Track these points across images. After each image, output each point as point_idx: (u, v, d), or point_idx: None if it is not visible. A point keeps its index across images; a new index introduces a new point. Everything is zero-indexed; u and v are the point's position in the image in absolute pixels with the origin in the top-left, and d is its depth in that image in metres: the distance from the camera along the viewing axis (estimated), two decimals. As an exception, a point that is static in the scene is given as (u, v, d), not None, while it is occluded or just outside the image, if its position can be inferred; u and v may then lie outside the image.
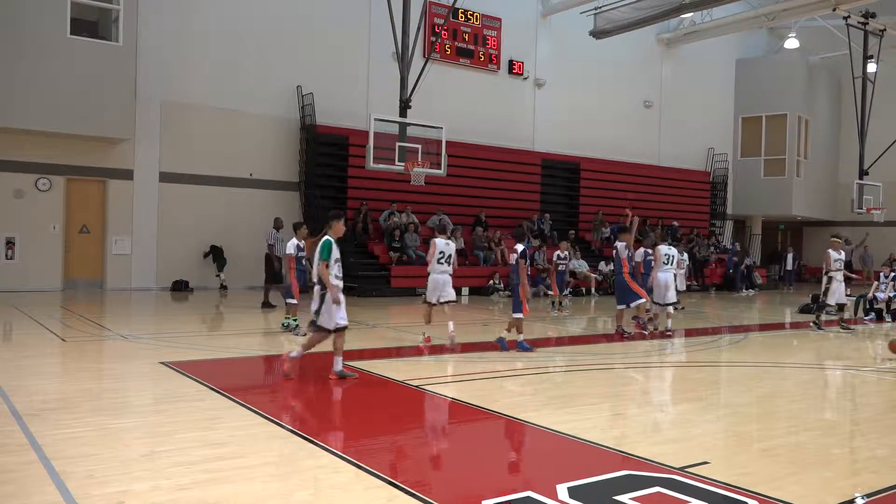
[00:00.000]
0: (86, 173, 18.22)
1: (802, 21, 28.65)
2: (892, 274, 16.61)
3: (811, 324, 14.41)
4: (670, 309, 13.14)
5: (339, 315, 7.77)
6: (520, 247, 10.33)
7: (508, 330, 10.51)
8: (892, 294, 16.38)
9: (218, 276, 19.18)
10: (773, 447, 5.90)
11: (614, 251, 12.48)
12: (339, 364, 7.94)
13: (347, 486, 4.62)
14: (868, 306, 17.12)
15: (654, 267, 13.11)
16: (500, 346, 10.39)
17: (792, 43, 29.76)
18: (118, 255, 18.58)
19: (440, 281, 10.64)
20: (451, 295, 10.74)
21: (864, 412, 7.66)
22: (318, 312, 7.78)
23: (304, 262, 11.70)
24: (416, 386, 7.77)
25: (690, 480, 4.82)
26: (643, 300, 12.19)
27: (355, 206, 20.87)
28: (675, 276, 13.64)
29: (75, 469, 4.72)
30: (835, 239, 14.30)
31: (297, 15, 20.53)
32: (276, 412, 6.55)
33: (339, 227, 8.11)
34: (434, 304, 10.67)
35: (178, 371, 8.12)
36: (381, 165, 16.15)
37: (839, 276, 14.01)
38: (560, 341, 12.40)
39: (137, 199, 18.73)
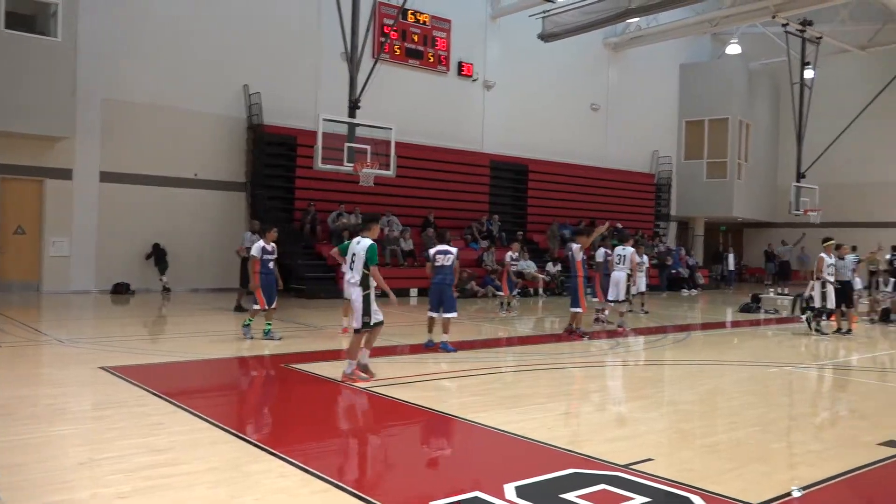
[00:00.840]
0: (22, 172, 17.60)
1: (744, 28, 29.46)
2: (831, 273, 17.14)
3: (814, 331, 14.20)
4: (623, 307, 13.73)
5: (377, 312, 8.08)
6: (454, 249, 10.67)
7: (445, 331, 10.50)
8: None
9: (161, 279, 18.75)
10: (715, 443, 6.04)
11: (569, 254, 12.62)
12: (351, 366, 8.08)
13: (293, 491, 4.56)
14: (805, 305, 17.64)
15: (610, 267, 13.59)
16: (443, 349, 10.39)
17: (734, 49, 30.56)
18: (56, 257, 18.00)
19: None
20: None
21: (800, 408, 7.90)
22: (368, 313, 7.96)
23: (270, 265, 11.41)
24: (365, 388, 7.72)
25: (635, 477, 4.90)
26: (579, 309, 12.33)
27: (303, 207, 20.66)
28: (628, 275, 14.09)
29: (10, 479, 4.56)
30: (829, 243, 14.38)
31: (245, 13, 20.24)
32: (221, 416, 6.43)
33: (376, 229, 8.32)
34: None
35: (118, 376, 7.91)
36: (329, 166, 16.01)
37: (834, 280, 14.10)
38: (509, 342, 12.48)
39: (77, 200, 18.18)
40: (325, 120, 15.92)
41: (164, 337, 12.47)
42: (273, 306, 11.30)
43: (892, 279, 17.75)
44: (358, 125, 16.41)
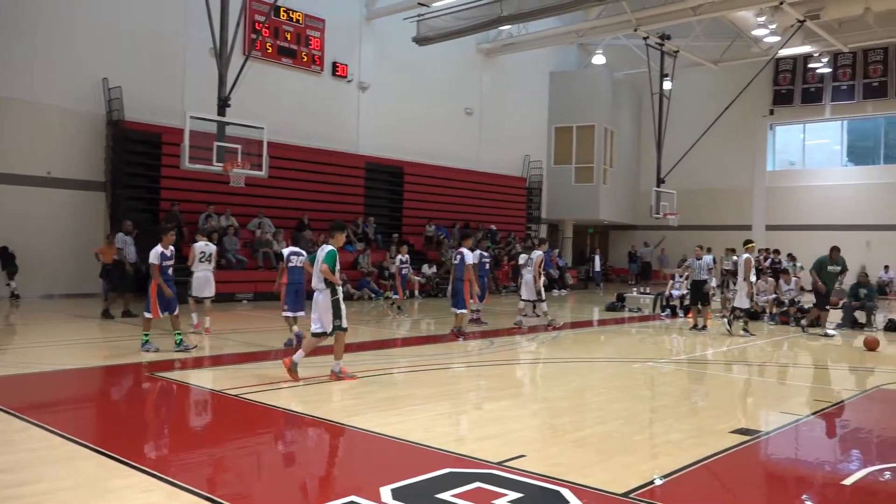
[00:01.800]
0: None
1: (608, 39, 30.85)
2: (686, 274, 18.24)
3: (740, 332, 14.50)
4: (543, 306, 14.72)
5: (346, 318, 8.44)
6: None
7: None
8: (684, 292, 17.97)
9: (9, 284, 17.36)
10: (583, 437, 6.26)
11: (458, 256, 12.83)
12: (338, 365, 8.46)
13: (159, 505, 4.34)
14: (665, 303, 18.70)
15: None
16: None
17: (599, 59, 31.96)
18: None
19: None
20: None
21: (661, 401, 8.34)
22: (339, 317, 8.31)
23: (170, 271, 10.59)
24: (237, 395, 7.47)
25: (508, 474, 5.00)
26: (465, 311, 12.75)
27: (168, 209, 19.74)
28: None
29: None
30: (751, 245, 14.96)
31: (104, 1, 19.11)
32: (77, 431, 6.02)
33: (341, 237, 8.58)
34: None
35: (-41, 390, 7.26)
36: (197, 166, 15.40)
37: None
38: (386, 344, 12.45)
39: (-89, 199, 16.57)
40: (192, 118, 15.32)
41: (11, 347, 11.53)
42: (176, 314, 10.46)
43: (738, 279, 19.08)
44: (228, 124, 15.90)
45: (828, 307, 14.77)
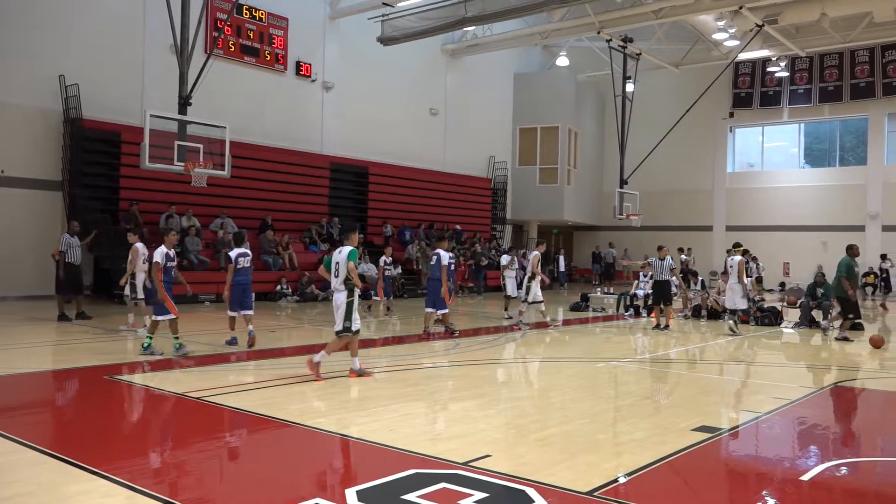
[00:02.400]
0: None
1: (572, 41, 31.10)
2: (650, 274, 18.47)
3: (731, 330, 14.85)
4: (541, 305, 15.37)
5: (356, 320, 8.75)
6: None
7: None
8: (648, 292, 18.18)
9: (-37, 285, 16.91)
10: (548, 436, 6.30)
11: (434, 258, 13.19)
12: (356, 362, 8.81)
13: (118, 511, 4.25)
14: (629, 303, 18.91)
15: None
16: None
17: (563, 61, 32.18)
18: None
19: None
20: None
21: (624, 399, 8.42)
22: (350, 319, 8.62)
23: (172, 272, 10.45)
24: (198, 398, 7.36)
25: (473, 474, 5.01)
26: (446, 310, 13.10)
27: (127, 209, 19.37)
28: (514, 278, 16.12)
29: None
30: (740, 248, 15.28)
31: (61, -3, 18.70)
32: (34, 436, 5.88)
33: (355, 237, 8.94)
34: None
35: None
36: (158, 165, 15.14)
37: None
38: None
39: None
40: (152, 116, 15.04)
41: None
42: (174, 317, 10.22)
43: (701, 279, 19.40)
44: (189, 123, 15.66)
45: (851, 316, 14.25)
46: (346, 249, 8.63)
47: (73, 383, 8.71)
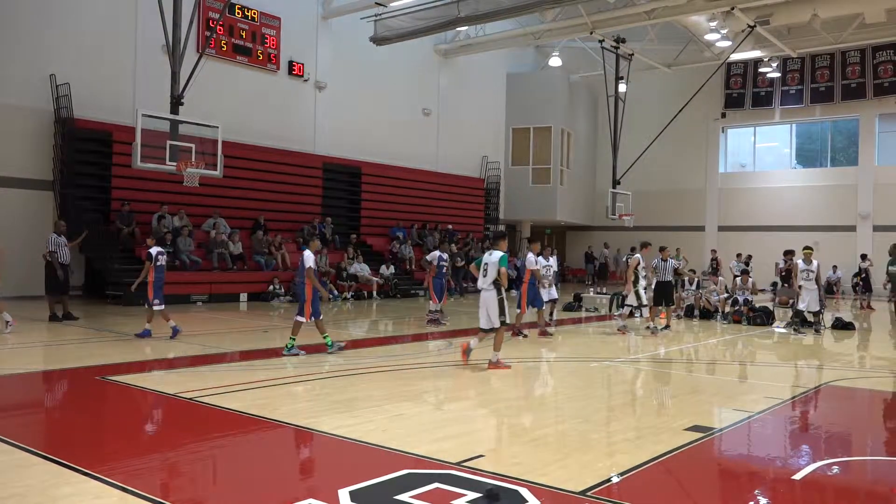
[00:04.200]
0: None
1: (564, 42, 31.12)
2: (644, 275, 18.47)
3: (792, 329, 15.19)
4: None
5: (507, 313, 9.61)
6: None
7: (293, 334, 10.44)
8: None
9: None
10: (542, 436, 6.30)
11: (519, 260, 13.25)
12: (496, 356, 9.60)
13: (110, 513, 4.23)
14: (621, 303, 18.90)
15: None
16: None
17: (555, 61, 32.22)
18: None
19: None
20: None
21: (617, 399, 8.44)
22: (504, 313, 9.47)
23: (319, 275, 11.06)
24: (191, 398, 7.34)
25: (467, 474, 5.00)
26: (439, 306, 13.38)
27: (119, 209, 19.29)
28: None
29: None
30: (806, 250, 15.23)
31: (52, -3, 18.60)
32: (24, 437, 5.85)
33: (504, 244, 9.83)
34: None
35: None
36: (149, 165, 15.08)
37: (808, 285, 14.90)
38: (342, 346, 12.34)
39: None
40: (144, 115, 15.00)
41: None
42: (321, 318, 10.65)
43: (696, 279, 19.44)
44: (181, 122, 15.62)
45: None
46: (497, 254, 9.53)
47: (64, 384, 8.67)
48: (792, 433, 7.10)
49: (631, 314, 18.08)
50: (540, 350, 12.17)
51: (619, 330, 14.32)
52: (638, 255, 14.93)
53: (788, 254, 19.66)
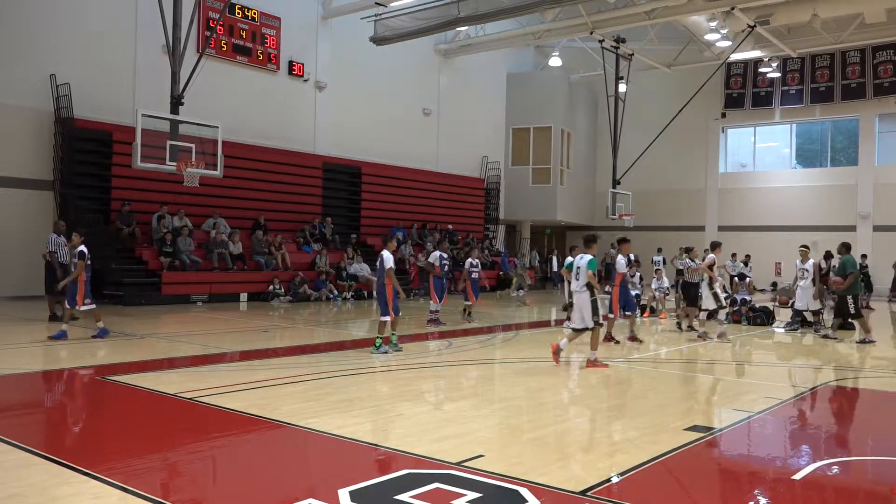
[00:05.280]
0: None
1: (564, 42, 31.12)
2: (638, 274, 18.46)
3: (790, 328, 15.17)
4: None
5: (601, 313, 10.11)
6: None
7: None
8: (639, 292, 18.16)
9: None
10: (542, 436, 6.30)
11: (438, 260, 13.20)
12: (593, 355, 9.98)
13: (110, 512, 4.23)
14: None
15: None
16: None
17: (555, 61, 32.23)
18: None
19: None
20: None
21: (618, 399, 8.44)
22: (597, 314, 9.90)
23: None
24: (191, 398, 7.34)
25: (467, 474, 5.00)
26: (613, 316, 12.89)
27: (119, 209, 19.28)
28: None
29: None
30: (802, 248, 15.16)
31: (52, -3, 18.60)
32: (24, 437, 5.85)
33: (595, 247, 10.21)
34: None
35: None
36: (149, 165, 15.10)
37: (803, 283, 14.81)
38: (341, 345, 12.36)
39: None
40: (144, 115, 15.01)
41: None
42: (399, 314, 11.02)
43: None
44: (181, 122, 15.63)
45: None
46: (587, 258, 9.98)
47: (64, 384, 8.67)
48: (792, 433, 7.10)
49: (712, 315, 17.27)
50: (538, 350, 12.17)
51: (718, 338, 13.61)
52: (712, 255, 14.09)
53: (829, 256, 19.57)
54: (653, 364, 11.06)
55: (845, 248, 14.41)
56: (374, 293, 13.62)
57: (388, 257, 10.62)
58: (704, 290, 13.91)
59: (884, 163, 30.50)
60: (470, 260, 16.21)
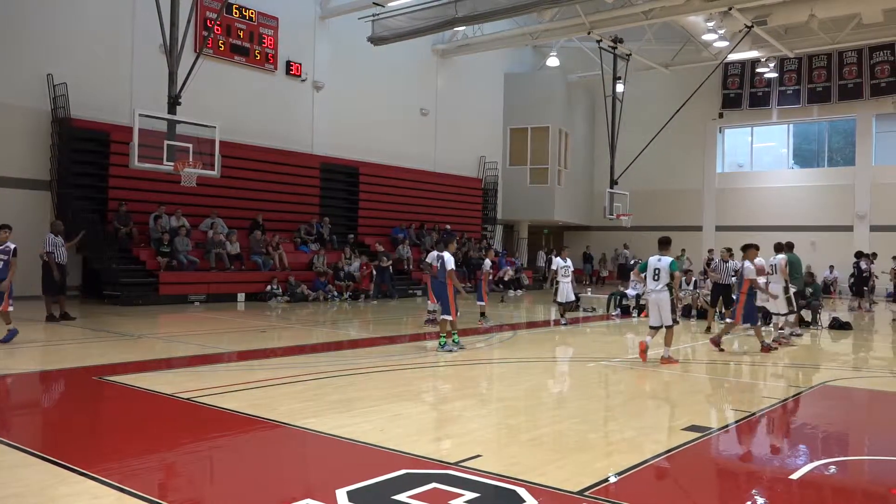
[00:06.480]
0: None
1: (562, 42, 31.14)
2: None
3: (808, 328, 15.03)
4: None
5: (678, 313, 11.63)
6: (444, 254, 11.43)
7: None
8: (639, 292, 18.21)
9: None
10: (539, 436, 6.30)
11: (439, 260, 12.77)
12: (668, 351, 10.44)
13: (107, 513, 4.22)
14: (618, 303, 18.94)
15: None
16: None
17: (553, 61, 32.25)
18: None
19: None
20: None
21: (614, 399, 8.44)
22: (675, 312, 10.45)
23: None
24: (188, 398, 7.33)
25: (464, 474, 5.00)
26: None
27: (117, 209, 19.26)
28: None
29: None
30: (751, 250, 14.87)
31: (48, -4, 18.56)
32: (22, 438, 5.84)
33: (669, 249, 10.61)
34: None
35: None
36: (147, 165, 15.07)
37: (774, 286, 13.71)
38: (339, 346, 12.36)
39: None
40: (141, 115, 14.98)
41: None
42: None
43: (694, 279, 19.43)
44: (179, 122, 15.61)
45: None
46: (668, 259, 10.38)
47: (61, 384, 8.66)
48: (789, 433, 7.10)
49: (627, 313, 17.99)
50: (554, 349, 12.17)
51: (790, 338, 13.26)
52: (783, 256, 13.49)
53: (862, 256, 19.53)
54: (650, 364, 11.06)
55: (787, 247, 14.27)
56: (430, 289, 13.62)
57: (449, 258, 11.16)
58: (779, 294, 12.99)
59: (881, 163, 30.54)
60: (487, 261, 16.54)
